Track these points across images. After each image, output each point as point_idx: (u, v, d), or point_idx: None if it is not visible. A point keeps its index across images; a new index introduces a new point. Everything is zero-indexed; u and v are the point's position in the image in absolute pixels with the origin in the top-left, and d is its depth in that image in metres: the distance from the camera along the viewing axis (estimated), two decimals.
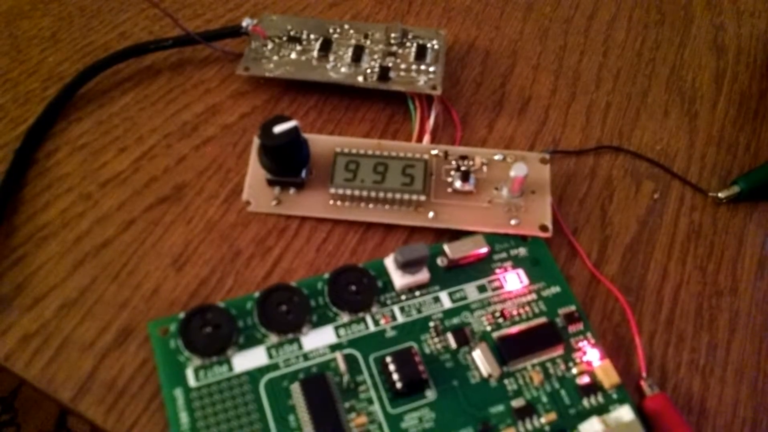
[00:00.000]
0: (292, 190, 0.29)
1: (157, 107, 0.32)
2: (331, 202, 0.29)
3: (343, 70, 0.32)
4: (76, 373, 0.24)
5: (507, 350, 0.25)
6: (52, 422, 0.75)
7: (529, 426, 0.24)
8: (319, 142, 0.30)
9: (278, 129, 0.27)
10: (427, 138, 0.31)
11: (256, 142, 0.30)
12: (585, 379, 0.25)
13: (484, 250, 0.27)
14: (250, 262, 0.27)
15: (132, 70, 0.33)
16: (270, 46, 0.33)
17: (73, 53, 0.34)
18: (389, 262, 0.26)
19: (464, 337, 0.25)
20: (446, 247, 0.27)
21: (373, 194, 0.28)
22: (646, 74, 0.37)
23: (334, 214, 0.28)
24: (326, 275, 0.26)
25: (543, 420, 0.24)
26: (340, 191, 0.28)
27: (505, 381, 0.24)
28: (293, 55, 0.33)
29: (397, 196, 0.28)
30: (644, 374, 0.26)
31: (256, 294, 0.25)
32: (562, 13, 0.39)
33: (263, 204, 0.29)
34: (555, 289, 0.27)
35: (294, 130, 0.27)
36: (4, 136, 0.30)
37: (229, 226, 0.28)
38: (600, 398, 0.24)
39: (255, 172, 0.29)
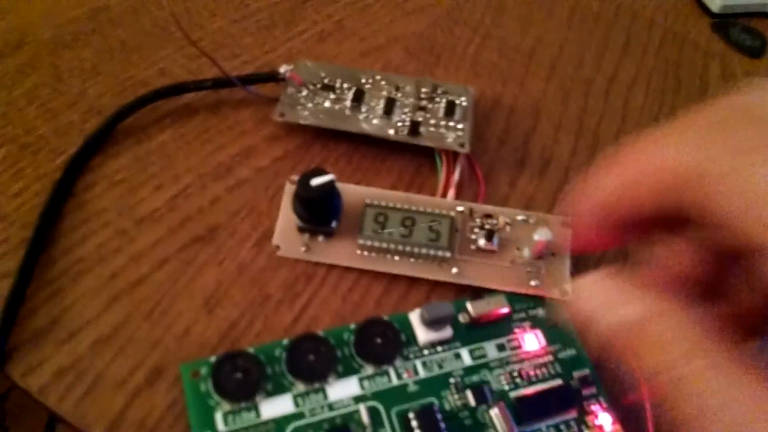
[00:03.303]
0: (321, 238, 0.30)
1: (194, 146, 0.33)
2: (359, 252, 0.30)
3: (375, 122, 0.34)
4: (107, 410, 0.24)
5: (524, 411, 0.26)
6: (41, 427, 0.75)
7: None
8: (349, 191, 0.31)
9: (316, 182, 0.28)
10: (451, 193, 0.33)
11: (288, 187, 0.31)
12: None
13: (506, 309, 0.28)
14: (278, 307, 0.28)
15: (170, 107, 0.34)
16: (305, 92, 0.34)
17: (113, 86, 0.35)
18: (414, 316, 0.27)
19: (483, 395, 0.26)
20: (469, 305, 0.28)
21: (400, 247, 0.29)
22: None
23: (361, 264, 0.29)
24: (353, 326, 0.27)
25: None
26: (369, 242, 0.29)
27: None
28: (327, 104, 0.34)
29: (423, 251, 0.29)
30: None
31: (285, 341, 0.26)
32: (583, 74, 0.41)
33: (293, 249, 0.30)
34: (570, 352, 0.28)
35: (330, 184, 0.28)
36: (44, 166, 0.31)
37: (259, 270, 0.29)
38: None
39: (286, 218, 0.30)
